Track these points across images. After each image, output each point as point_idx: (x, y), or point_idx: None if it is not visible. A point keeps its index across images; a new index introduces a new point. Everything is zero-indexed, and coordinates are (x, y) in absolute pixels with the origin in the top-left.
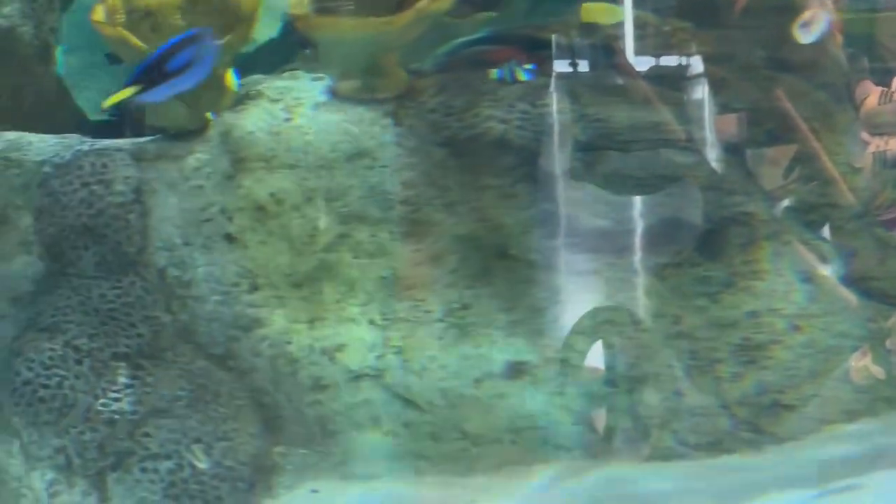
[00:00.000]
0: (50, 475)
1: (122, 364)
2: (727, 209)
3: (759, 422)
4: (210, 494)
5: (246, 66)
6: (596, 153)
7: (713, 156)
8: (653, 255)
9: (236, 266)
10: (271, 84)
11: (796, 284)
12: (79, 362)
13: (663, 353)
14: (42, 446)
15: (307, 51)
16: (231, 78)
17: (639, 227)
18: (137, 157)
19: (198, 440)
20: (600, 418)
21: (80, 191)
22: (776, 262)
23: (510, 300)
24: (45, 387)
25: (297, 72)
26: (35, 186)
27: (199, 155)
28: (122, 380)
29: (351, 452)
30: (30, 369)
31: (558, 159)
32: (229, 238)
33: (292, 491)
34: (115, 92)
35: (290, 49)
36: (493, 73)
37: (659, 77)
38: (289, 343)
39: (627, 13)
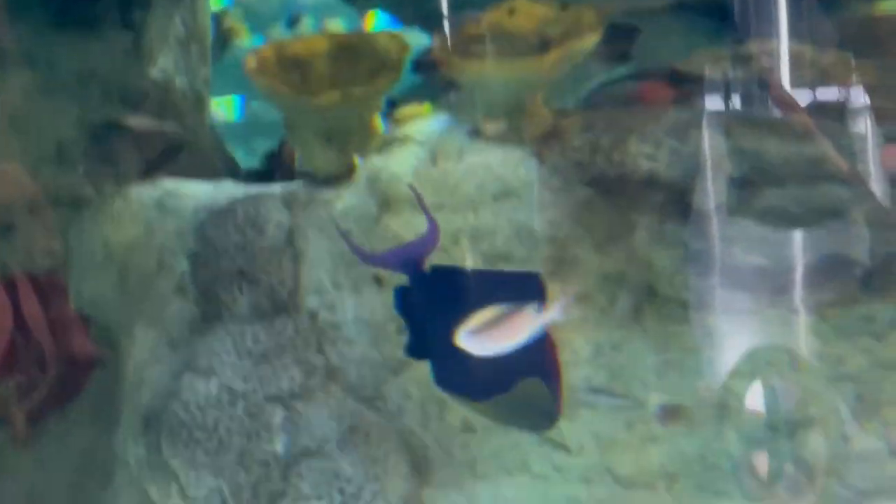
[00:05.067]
0: None
1: (275, 406)
2: (893, 245)
3: None
4: None
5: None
6: (751, 188)
7: (878, 189)
8: (813, 293)
9: (384, 308)
10: (417, 127)
11: None
12: (233, 404)
13: (827, 396)
14: (198, 487)
15: (451, 93)
16: (378, 122)
17: (798, 264)
18: (288, 202)
19: (348, 481)
20: (761, 463)
21: (234, 236)
22: None
23: (663, 341)
24: (202, 429)
25: (442, 114)
26: (190, 233)
27: (347, 199)
28: (276, 421)
29: (500, 496)
30: (186, 411)
31: (710, 196)
32: (377, 280)
33: None
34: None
35: (434, 92)
36: None
37: (818, 109)
38: None
39: (783, 45)
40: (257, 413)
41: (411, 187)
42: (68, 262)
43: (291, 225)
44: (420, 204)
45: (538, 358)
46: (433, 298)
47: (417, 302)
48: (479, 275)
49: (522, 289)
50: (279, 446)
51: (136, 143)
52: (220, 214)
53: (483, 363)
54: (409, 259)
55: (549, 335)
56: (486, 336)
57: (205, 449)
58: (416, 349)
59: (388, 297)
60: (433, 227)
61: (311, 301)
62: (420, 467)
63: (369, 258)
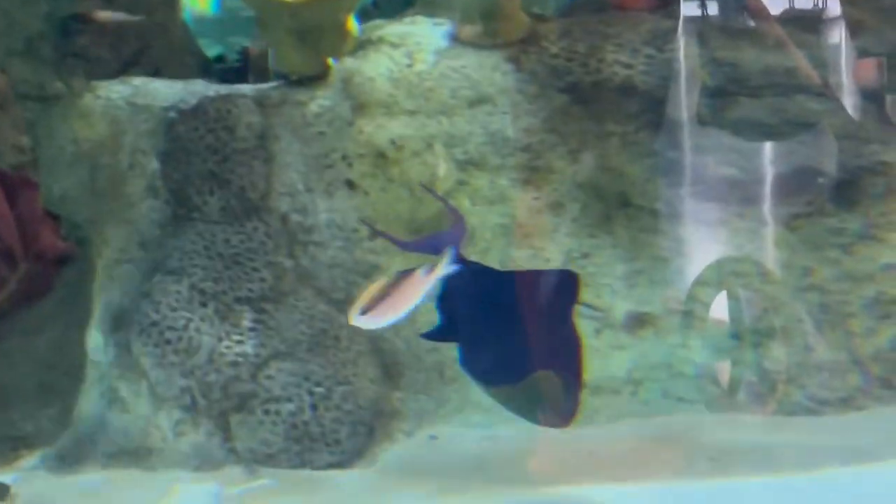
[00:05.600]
0: (176, 415)
1: (246, 308)
2: (863, 158)
3: (892, 378)
4: (330, 437)
5: (367, 12)
6: (725, 99)
7: (850, 102)
8: (783, 204)
9: (357, 212)
10: (392, 30)
11: None
12: (204, 305)
13: (792, 307)
14: (168, 387)
15: None
16: (352, 24)
17: (769, 175)
18: (261, 102)
19: (318, 384)
20: (724, 372)
21: (206, 137)
22: None
23: (632, 250)
24: (172, 329)
25: (418, 17)
26: (161, 132)
27: (320, 101)
28: (246, 323)
29: (469, 400)
30: (157, 311)
31: (685, 105)
32: (350, 184)
33: (411, 437)
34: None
35: None
36: None
37: (793, 20)
38: None
39: None
40: (227, 314)
41: (425, 186)
42: (38, 159)
43: (263, 126)
44: (441, 199)
45: (561, 353)
46: (468, 286)
47: (452, 287)
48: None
49: (558, 286)
50: (249, 348)
51: (106, 39)
52: (191, 114)
53: (506, 351)
54: (446, 245)
55: (577, 332)
56: (378, 310)
57: (175, 349)
58: (444, 332)
59: (360, 201)
60: (459, 218)
61: (282, 204)
62: (390, 371)
63: (407, 245)
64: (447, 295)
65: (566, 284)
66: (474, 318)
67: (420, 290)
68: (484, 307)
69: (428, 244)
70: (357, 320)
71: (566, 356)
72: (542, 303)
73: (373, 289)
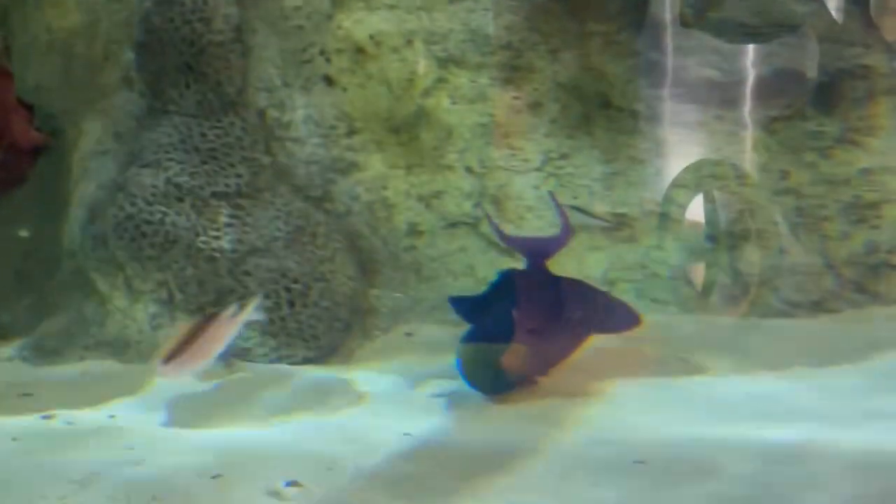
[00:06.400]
0: (153, 308)
1: (222, 203)
2: (844, 61)
3: (865, 282)
4: (307, 333)
5: None
6: None
7: (832, 4)
8: (763, 107)
9: (335, 109)
10: None
11: None
12: (180, 199)
13: (768, 209)
14: (145, 280)
15: None
16: None
17: (749, 77)
18: None
19: (295, 280)
20: (699, 274)
21: (182, 28)
22: (894, 118)
23: (611, 151)
24: (148, 222)
25: None
26: (137, 22)
27: None
28: (222, 218)
29: (445, 298)
30: (133, 204)
31: (667, 5)
32: (328, 80)
33: (387, 333)
34: None
35: None
36: None
37: None
38: (385, 188)
39: None
40: (204, 209)
41: (550, 193)
42: (11, 47)
43: (240, 18)
44: (557, 206)
45: (553, 346)
46: (534, 291)
47: (521, 286)
48: (588, 291)
49: (614, 314)
50: (226, 243)
51: None
52: (167, 4)
53: (507, 324)
54: (536, 250)
55: (583, 340)
56: (182, 358)
57: (151, 242)
58: (470, 312)
59: (338, 97)
60: (566, 230)
61: (259, 99)
62: (367, 268)
63: (505, 238)
64: (503, 288)
65: (622, 318)
66: (510, 309)
67: (226, 335)
68: (527, 302)
69: (525, 245)
70: (160, 370)
71: (554, 349)
72: (583, 313)
73: (177, 335)
